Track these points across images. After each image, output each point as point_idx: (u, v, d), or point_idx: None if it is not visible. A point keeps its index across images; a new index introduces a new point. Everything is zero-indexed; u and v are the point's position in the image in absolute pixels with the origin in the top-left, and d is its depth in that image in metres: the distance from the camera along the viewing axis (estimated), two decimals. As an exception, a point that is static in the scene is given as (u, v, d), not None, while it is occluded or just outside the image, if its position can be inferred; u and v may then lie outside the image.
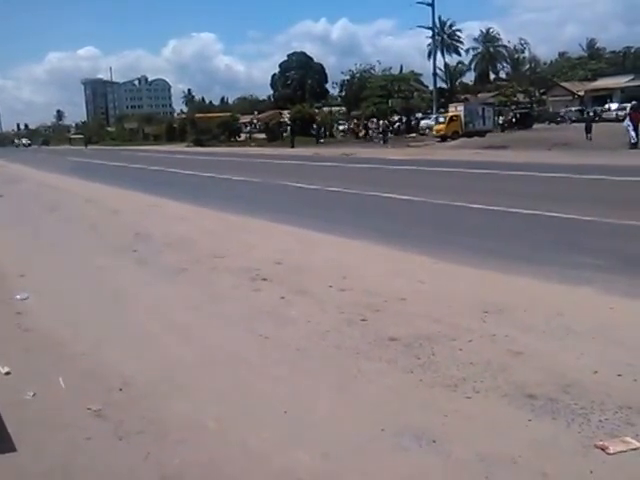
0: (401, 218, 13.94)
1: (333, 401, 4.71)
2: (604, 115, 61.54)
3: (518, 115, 60.12)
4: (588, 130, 38.07)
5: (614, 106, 63.43)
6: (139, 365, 5.63)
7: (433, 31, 67.56)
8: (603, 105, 66.60)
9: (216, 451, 4.08)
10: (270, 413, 4.55)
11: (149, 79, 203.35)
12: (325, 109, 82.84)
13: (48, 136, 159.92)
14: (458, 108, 55.38)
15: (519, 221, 12.61)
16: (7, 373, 5.46)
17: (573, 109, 66.46)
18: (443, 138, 50.09)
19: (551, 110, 69.98)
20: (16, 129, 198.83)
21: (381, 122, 61.04)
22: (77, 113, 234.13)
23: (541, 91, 77.70)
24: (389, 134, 56.84)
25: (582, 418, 4.17)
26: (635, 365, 4.97)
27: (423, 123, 58.83)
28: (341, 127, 71.15)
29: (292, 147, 56.13)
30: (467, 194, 16.33)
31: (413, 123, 65.74)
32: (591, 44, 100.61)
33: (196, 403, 4.79)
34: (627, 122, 32.11)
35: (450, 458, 3.80)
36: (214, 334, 6.47)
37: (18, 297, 8.16)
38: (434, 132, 53.23)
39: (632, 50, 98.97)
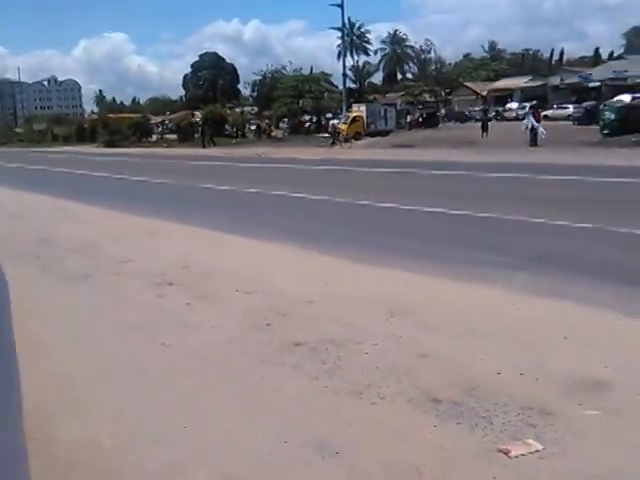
0: (311, 218, 13.87)
1: (236, 413, 4.56)
2: (505, 114, 63.73)
3: (425, 115, 61.13)
4: (484, 129, 39.52)
5: (514, 105, 66.60)
6: (32, 380, 5.34)
7: (342, 32, 68.04)
8: (504, 104, 68.91)
9: (109, 474, 3.86)
10: (169, 429, 4.36)
11: (59, 79, 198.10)
12: (237, 109, 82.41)
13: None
14: (360, 109, 56.12)
15: (428, 219, 12.74)
16: None
17: (477, 108, 68.34)
18: (346, 139, 50.47)
19: (456, 109, 71.70)
20: None
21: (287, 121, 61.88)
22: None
23: (447, 91, 79.59)
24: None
25: (485, 421, 4.15)
26: (536, 364, 5.01)
27: (333, 122, 59.00)
28: (253, 127, 70.84)
29: (203, 147, 55.66)
30: (376, 193, 16.42)
31: (323, 123, 65.96)
32: (493, 46, 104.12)
33: (90, 420, 4.56)
34: (527, 120, 33.11)
35: (353, 470, 3.69)
36: (114, 344, 6.23)
37: None
38: (338, 131, 53.47)
39: (530, 52, 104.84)
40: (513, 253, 9.19)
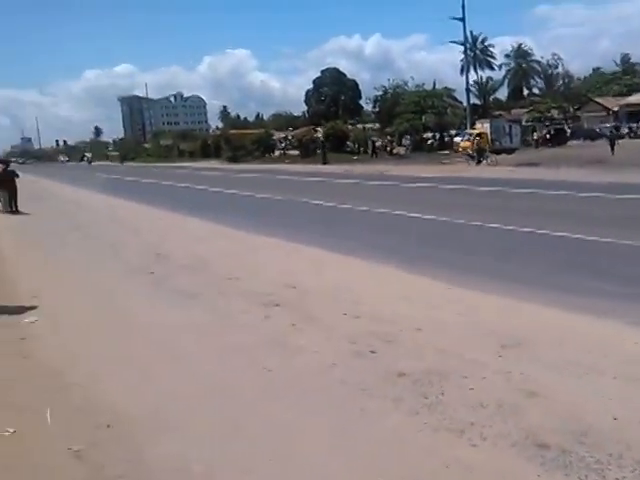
0: (420, 239, 13.55)
1: (328, 446, 4.40)
2: (640, 132, 60.56)
3: (552, 131, 59.01)
4: (612, 147, 37.98)
5: None
6: (133, 399, 5.38)
7: (465, 46, 66.52)
8: (638, 121, 65.38)
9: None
10: (258, 458, 4.25)
11: (185, 95, 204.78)
12: (359, 125, 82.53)
13: (86, 152, 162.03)
14: (484, 125, 54.61)
15: (539, 242, 12.26)
16: None
17: (608, 125, 65.15)
18: (470, 155, 49.50)
19: (586, 126, 68.85)
20: (55, 145, 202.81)
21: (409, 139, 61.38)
22: (115, 129, 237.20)
23: (575, 107, 76.46)
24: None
25: (597, 475, 3.80)
26: (660, 411, 4.60)
27: (457, 139, 58.00)
28: (375, 144, 70.65)
29: (324, 164, 55.83)
30: (486, 213, 15.91)
31: (446, 139, 64.99)
32: (625, 59, 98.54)
33: (184, 443, 4.51)
34: None
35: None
36: (216, 365, 6.20)
37: (26, 320, 8.03)
38: (460, 149, 52.58)
39: None
40: (632, 283, 8.64)
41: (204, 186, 33.68)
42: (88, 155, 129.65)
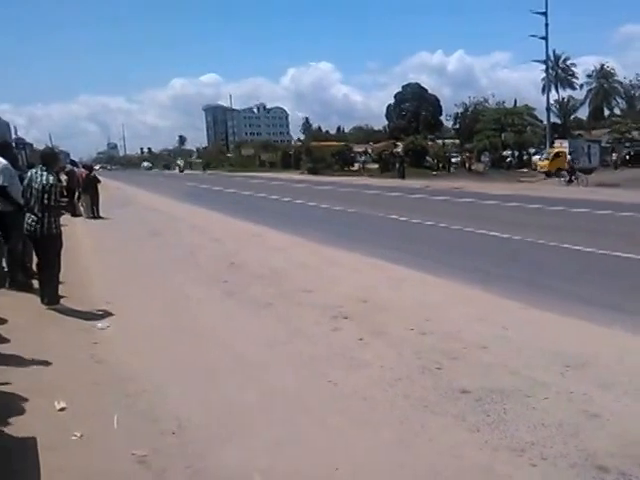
0: (494, 257, 13.43)
1: (388, 460, 4.49)
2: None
3: (632, 152, 57.89)
4: None
5: None
6: (199, 407, 5.54)
7: (547, 65, 66.01)
8: None
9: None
10: (320, 469, 4.37)
11: (267, 107, 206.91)
12: (439, 141, 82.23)
13: (169, 160, 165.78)
14: (563, 144, 53.90)
15: (612, 264, 12.08)
16: (62, 409, 5.38)
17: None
18: (548, 174, 49.09)
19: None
20: (140, 153, 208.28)
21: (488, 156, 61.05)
22: (198, 138, 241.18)
23: (658, 128, 74.47)
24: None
25: (654, 499, 3.82)
26: None
27: (535, 158, 57.36)
28: (454, 159, 70.32)
29: (402, 178, 55.80)
30: (575, 234, 15.70)
31: (525, 158, 64.26)
32: None
33: (246, 452, 4.65)
34: None
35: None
36: (282, 376, 6.33)
37: (99, 325, 8.28)
38: (538, 168, 52.11)
39: None
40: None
41: (288, 198, 34.03)
42: (180, 163, 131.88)
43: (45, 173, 8.81)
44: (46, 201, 8.66)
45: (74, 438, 4.84)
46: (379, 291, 10.02)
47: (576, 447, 4.51)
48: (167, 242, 16.73)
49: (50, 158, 9.40)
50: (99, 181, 25.20)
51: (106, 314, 8.87)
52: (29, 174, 9.02)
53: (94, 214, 24.05)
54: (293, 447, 4.74)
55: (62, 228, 9.31)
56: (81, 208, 24.43)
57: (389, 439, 4.82)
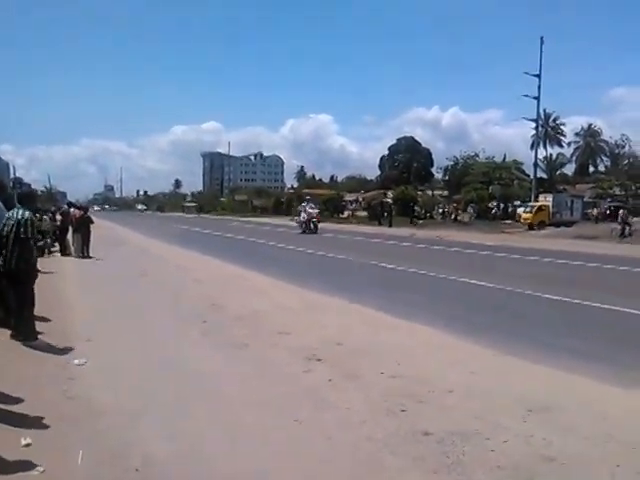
0: (474, 305, 13.64)
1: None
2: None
3: (612, 207, 59.33)
4: None
5: None
6: (166, 443, 5.56)
7: (537, 124, 67.77)
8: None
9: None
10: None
11: (264, 154, 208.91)
12: (428, 192, 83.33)
13: (164, 203, 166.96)
14: (547, 198, 56.21)
15: (580, 313, 12.53)
16: (27, 445, 5.35)
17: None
18: (530, 226, 50.11)
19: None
20: (135, 195, 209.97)
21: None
22: (194, 183, 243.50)
23: (637, 185, 76.26)
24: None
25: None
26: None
27: (519, 210, 58.56)
28: (440, 210, 71.29)
29: (390, 226, 56.30)
30: (550, 284, 15.92)
31: (510, 210, 65.36)
32: None
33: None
34: None
35: None
36: (250, 414, 6.37)
37: (76, 362, 8.26)
38: (522, 220, 53.22)
39: None
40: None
41: (273, 242, 34.24)
42: (140, 207, 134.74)
43: (22, 210, 9.05)
44: (22, 235, 8.84)
45: (36, 474, 4.83)
46: (355, 335, 10.09)
47: (529, 489, 4.60)
48: (153, 283, 16.75)
49: (25, 197, 10.00)
50: (92, 222, 25.30)
51: (85, 351, 8.87)
52: (10, 213, 9.18)
53: (84, 253, 24.05)
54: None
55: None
56: (72, 248, 24.51)
57: (349, 478, 4.88)
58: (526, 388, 7.15)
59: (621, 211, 40.68)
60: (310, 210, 44.53)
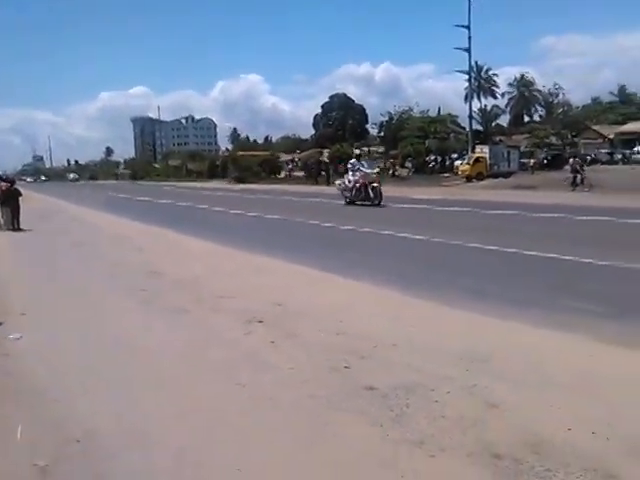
0: (411, 259, 13.77)
1: (289, 457, 4.50)
2: (633, 157, 61.81)
3: (549, 157, 60.29)
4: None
5: None
6: (108, 416, 5.43)
7: (469, 76, 68.22)
8: (632, 148, 66.65)
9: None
10: (223, 471, 4.36)
11: (196, 118, 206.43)
12: (364, 148, 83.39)
13: (96, 171, 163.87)
14: (484, 150, 56.09)
15: (518, 262, 12.73)
16: None
17: (603, 151, 67.04)
18: (468, 178, 50.54)
19: (582, 152, 69.91)
20: (66, 164, 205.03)
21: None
22: (126, 150, 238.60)
23: (573, 134, 77.74)
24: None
25: (543, 482, 3.93)
26: (610, 422, 4.73)
27: (457, 163, 58.95)
28: (379, 166, 71.50)
29: (328, 185, 56.23)
30: (488, 235, 16.09)
31: (447, 163, 65.86)
32: (622, 90, 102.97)
33: (151, 457, 4.61)
34: None
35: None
36: (192, 380, 6.28)
37: (11, 337, 8.04)
38: (460, 172, 53.58)
39: None
40: (609, 301, 8.90)
41: (205, 205, 33.91)
42: (71, 176, 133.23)
43: None
44: None
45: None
46: (295, 295, 10.04)
47: (474, 437, 4.59)
48: (89, 253, 16.32)
49: None
50: (20, 194, 24.65)
51: (20, 325, 8.64)
52: None
53: (14, 226, 23.46)
54: (198, 449, 4.70)
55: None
56: (1, 221, 23.88)
57: (292, 437, 4.82)
58: (467, 338, 7.19)
59: (571, 159, 41.06)
60: (366, 170, 30.04)
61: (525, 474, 4.04)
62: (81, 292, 11.13)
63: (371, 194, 29.09)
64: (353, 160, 31.44)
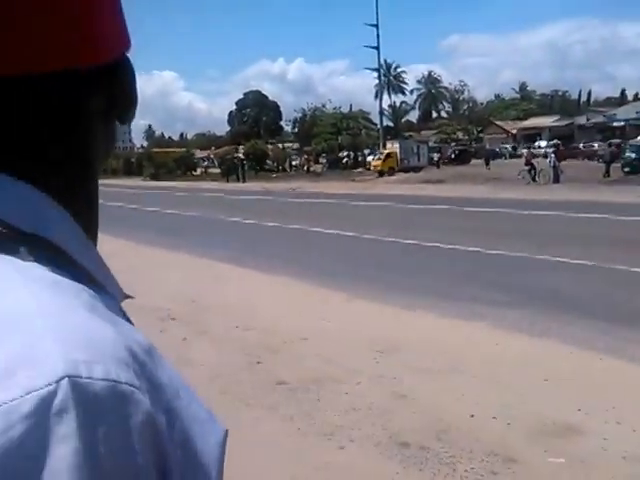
0: (324, 253, 13.78)
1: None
2: (534, 152, 64.08)
3: (456, 152, 61.80)
4: (487, 163, 44.71)
5: (543, 143, 66.95)
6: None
7: (379, 72, 69.48)
8: (533, 142, 69.19)
9: None
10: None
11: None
12: (279, 145, 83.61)
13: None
14: (394, 145, 56.87)
15: (425, 254, 12.97)
16: None
17: (507, 146, 69.58)
18: (381, 173, 51.18)
19: (487, 147, 71.92)
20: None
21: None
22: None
23: (478, 129, 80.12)
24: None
25: (448, 468, 4.03)
26: (511, 406, 4.91)
27: (369, 159, 59.69)
28: (294, 162, 71.74)
29: (243, 182, 56.06)
30: (399, 229, 16.30)
31: (360, 159, 66.63)
32: (523, 87, 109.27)
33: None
34: (550, 159, 33.97)
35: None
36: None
37: None
38: (372, 167, 54.28)
39: (559, 93, 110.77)
40: (512, 290, 9.16)
41: (121, 203, 33.36)
42: None
43: None
44: None
45: None
46: (207, 290, 9.98)
47: (382, 427, 4.68)
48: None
49: None
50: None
51: None
52: None
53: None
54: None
55: None
56: None
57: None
58: (376, 330, 7.32)
59: (525, 151, 41.91)
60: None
61: (430, 461, 4.14)
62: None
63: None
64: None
